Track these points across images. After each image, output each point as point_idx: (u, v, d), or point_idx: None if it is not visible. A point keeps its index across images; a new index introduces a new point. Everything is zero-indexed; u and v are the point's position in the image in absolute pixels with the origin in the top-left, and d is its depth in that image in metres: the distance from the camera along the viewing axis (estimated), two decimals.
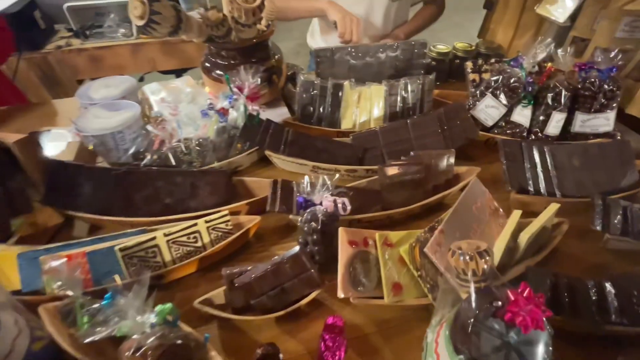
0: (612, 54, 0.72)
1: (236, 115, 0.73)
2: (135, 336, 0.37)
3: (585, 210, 0.63)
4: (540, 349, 0.33)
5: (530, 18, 1.07)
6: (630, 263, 0.60)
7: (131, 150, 0.68)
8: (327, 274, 0.53)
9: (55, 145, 0.74)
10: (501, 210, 0.58)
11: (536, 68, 0.79)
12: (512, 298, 0.33)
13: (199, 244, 0.56)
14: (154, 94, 0.89)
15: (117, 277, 0.45)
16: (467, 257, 0.37)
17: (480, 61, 0.94)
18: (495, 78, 0.79)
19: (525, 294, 0.33)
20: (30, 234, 0.57)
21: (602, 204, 0.60)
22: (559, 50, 0.77)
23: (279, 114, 0.91)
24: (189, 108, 0.79)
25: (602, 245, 0.62)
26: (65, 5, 1.73)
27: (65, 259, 0.48)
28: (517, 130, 0.81)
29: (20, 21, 1.70)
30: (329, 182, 0.52)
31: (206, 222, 0.56)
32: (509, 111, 0.81)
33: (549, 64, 0.78)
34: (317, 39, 1.30)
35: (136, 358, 0.36)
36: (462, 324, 0.35)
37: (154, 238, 0.52)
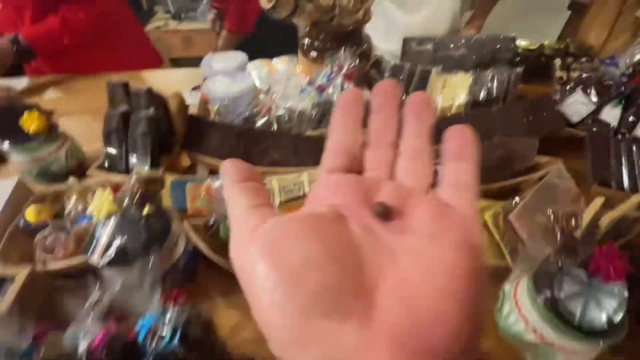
0: None
1: (332, 91, 0.83)
2: None
3: None
4: (617, 300, 0.38)
5: (626, 21, 1.03)
6: None
7: (245, 115, 0.81)
8: None
9: None
10: (582, 199, 0.61)
11: (630, 69, 0.79)
12: (599, 251, 0.38)
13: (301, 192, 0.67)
14: (256, 69, 1.02)
15: None
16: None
17: (569, 59, 0.94)
18: (587, 75, 0.80)
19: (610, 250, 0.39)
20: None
21: None
22: None
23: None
24: (283, 84, 0.91)
25: None
26: None
27: (204, 191, 0.61)
28: (605, 129, 0.81)
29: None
30: None
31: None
32: (597, 109, 0.81)
33: None
34: None
35: None
36: (546, 270, 0.41)
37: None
